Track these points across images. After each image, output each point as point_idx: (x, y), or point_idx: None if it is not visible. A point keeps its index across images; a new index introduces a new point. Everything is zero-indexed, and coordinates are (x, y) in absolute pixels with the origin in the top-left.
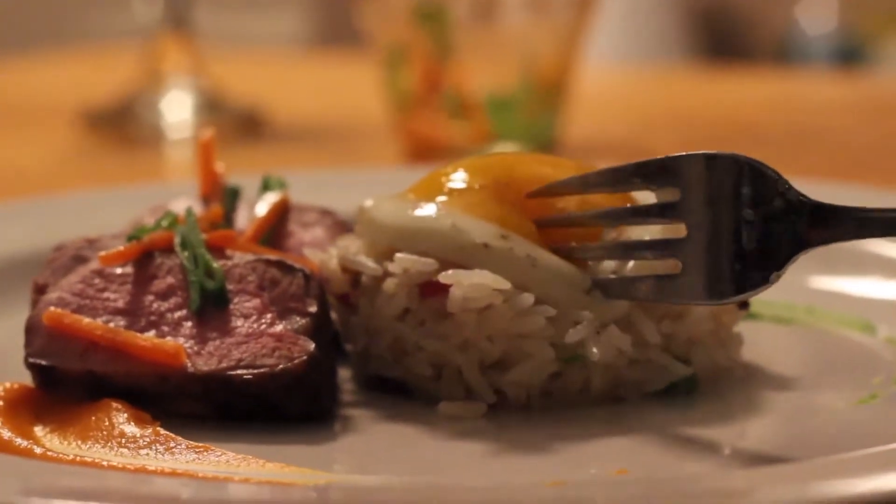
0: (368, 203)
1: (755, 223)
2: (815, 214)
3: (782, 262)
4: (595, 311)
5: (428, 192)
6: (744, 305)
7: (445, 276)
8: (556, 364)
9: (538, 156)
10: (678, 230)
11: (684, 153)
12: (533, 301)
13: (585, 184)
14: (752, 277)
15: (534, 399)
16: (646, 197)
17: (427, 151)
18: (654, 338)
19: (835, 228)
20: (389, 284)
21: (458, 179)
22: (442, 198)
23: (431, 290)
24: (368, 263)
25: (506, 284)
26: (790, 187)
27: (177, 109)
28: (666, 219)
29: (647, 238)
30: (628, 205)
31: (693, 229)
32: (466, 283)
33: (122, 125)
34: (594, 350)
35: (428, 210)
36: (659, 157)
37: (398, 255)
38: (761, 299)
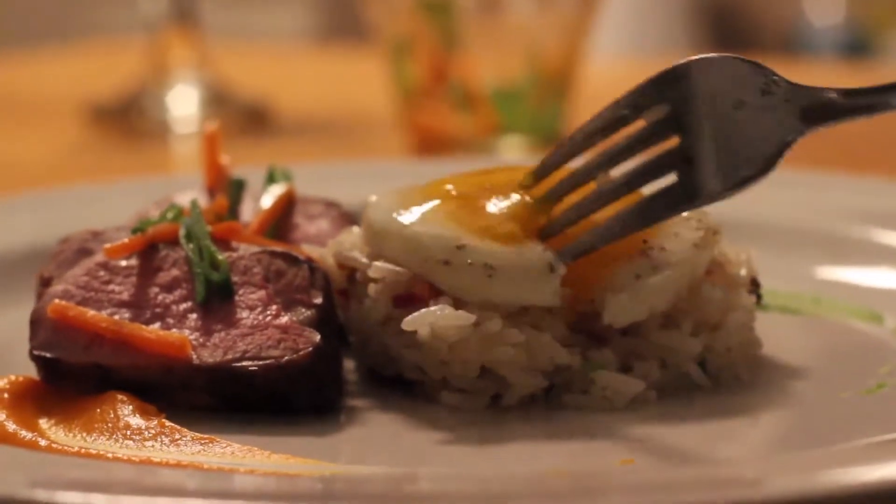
0: (373, 198)
1: (746, 116)
2: (805, 100)
3: (778, 150)
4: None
5: (424, 195)
6: (757, 298)
7: (408, 323)
8: (541, 380)
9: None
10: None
11: (665, 69)
12: (500, 327)
13: (575, 144)
14: (748, 169)
15: (536, 396)
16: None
17: (433, 144)
18: (695, 349)
19: (825, 111)
20: (373, 289)
21: (452, 184)
22: (431, 204)
23: (404, 300)
24: (361, 259)
25: (469, 319)
26: (778, 77)
27: (183, 104)
28: (660, 138)
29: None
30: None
31: (685, 136)
32: (431, 323)
33: (128, 119)
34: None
35: (407, 216)
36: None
37: (375, 262)
38: (768, 290)
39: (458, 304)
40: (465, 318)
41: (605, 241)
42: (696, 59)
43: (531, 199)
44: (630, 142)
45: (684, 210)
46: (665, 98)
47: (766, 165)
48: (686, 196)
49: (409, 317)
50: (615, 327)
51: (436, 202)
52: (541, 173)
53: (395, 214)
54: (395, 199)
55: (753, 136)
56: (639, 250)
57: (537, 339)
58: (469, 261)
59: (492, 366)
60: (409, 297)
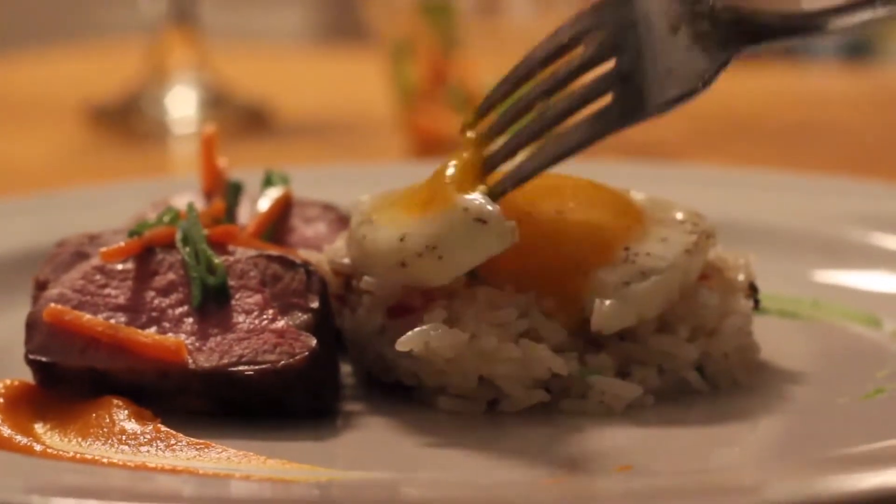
0: (363, 198)
1: (681, 39)
2: (738, 21)
3: (712, 69)
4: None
5: (394, 197)
6: (755, 302)
7: (402, 343)
8: (542, 394)
9: None
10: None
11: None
12: (496, 343)
13: (518, 77)
14: (683, 86)
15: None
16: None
17: (432, 146)
18: (692, 354)
19: (758, 33)
20: (367, 300)
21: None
22: (392, 206)
23: (399, 311)
24: (350, 265)
25: (464, 337)
26: (713, 1)
27: (181, 105)
28: (598, 62)
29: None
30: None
31: (622, 56)
32: (426, 343)
33: (126, 121)
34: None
35: (369, 225)
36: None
37: (366, 277)
38: (767, 294)
39: (452, 320)
40: (459, 336)
41: (543, 164)
42: None
43: (474, 135)
44: (569, 68)
45: (622, 128)
46: (603, 23)
47: (700, 84)
48: (622, 113)
49: (403, 337)
50: (604, 334)
51: (398, 200)
52: (483, 109)
53: (362, 224)
54: (371, 205)
55: (688, 57)
56: (621, 257)
57: (534, 352)
58: (417, 252)
59: (489, 377)
60: (403, 308)
